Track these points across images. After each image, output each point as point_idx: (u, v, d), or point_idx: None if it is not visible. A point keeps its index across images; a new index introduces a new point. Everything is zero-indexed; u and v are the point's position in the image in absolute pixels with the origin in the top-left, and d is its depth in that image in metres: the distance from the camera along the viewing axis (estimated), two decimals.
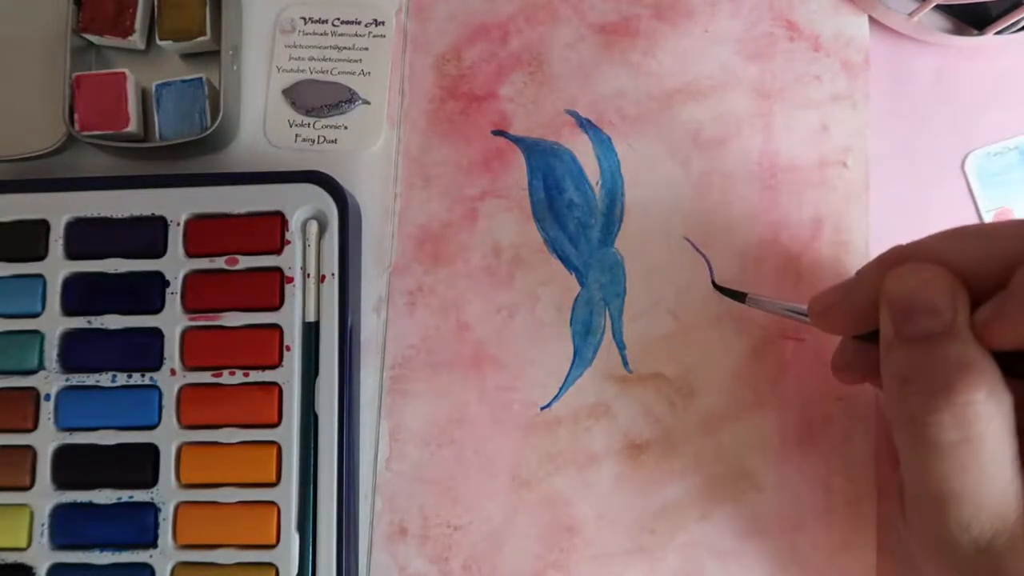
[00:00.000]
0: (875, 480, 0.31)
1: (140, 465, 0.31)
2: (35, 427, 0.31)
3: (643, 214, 0.33)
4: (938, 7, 0.32)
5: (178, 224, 0.32)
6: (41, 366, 0.31)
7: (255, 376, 0.31)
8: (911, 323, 0.23)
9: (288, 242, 0.31)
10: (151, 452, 0.31)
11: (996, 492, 0.22)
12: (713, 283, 0.32)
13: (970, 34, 0.33)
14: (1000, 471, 0.22)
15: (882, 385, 0.28)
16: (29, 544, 0.30)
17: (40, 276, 0.32)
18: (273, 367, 0.31)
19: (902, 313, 0.23)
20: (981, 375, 0.22)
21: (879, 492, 0.31)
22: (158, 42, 0.34)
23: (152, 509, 0.30)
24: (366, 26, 0.35)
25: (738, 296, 0.31)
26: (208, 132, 0.33)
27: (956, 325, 0.22)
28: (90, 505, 0.31)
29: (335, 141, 0.35)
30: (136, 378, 0.31)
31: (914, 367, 0.23)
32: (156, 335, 0.31)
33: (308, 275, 0.31)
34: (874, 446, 0.31)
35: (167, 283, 0.32)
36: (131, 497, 0.31)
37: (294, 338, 0.31)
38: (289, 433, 0.30)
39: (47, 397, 0.31)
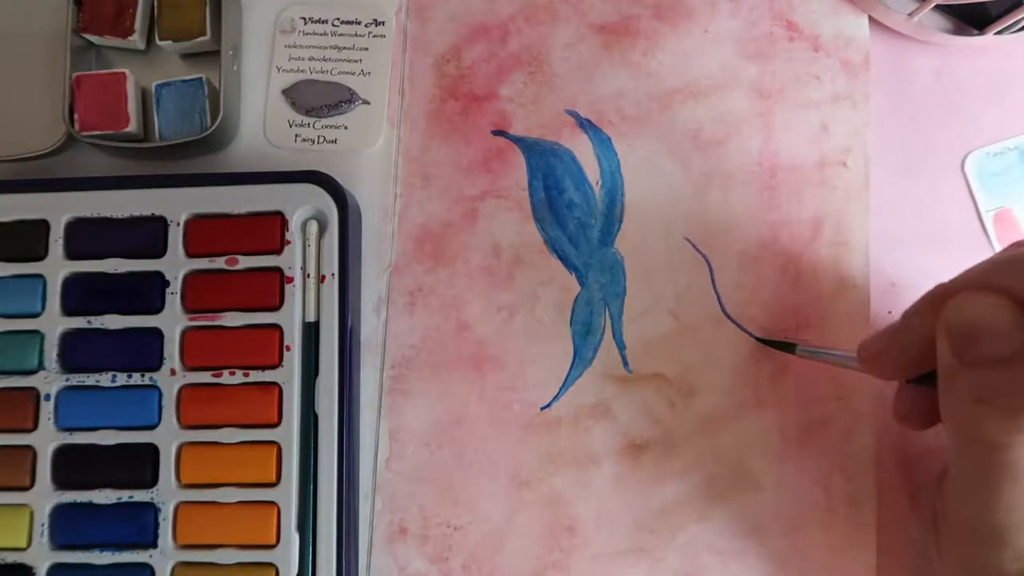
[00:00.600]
0: (875, 480, 0.31)
1: (140, 465, 0.31)
2: (35, 427, 0.31)
3: (643, 214, 0.33)
4: (938, 7, 0.32)
5: (178, 224, 0.32)
6: (41, 366, 0.31)
7: (255, 376, 0.31)
8: (979, 347, 0.22)
9: (288, 242, 0.31)
10: (151, 452, 0.31)
11: None
12: (758, 338, 0.32)
13: (970, 34, 0.33)
14: None
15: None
16: (29, 544, 0.30)
17: (40, 276, 0.32)
18: (273, 367, 0.31)
19: (967, 338, 0.23)
20: None
21: (879, 492, 0.31)
22: (158, 42, 0.34)
23: (152, 509, 0.30)
24: (366, 26, 0.35)
25: (788, 348, 0.31)
26: (208, 132, 0.33)
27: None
28: (90, 505, 0.31)
29: (335, 141, 0.35)
30: (136, 378, 0.31)
31: (990, 388, 0.22)
32: (156, 335, 0.31)
33: (308, 275, 0.31)
34: (874, 446, 0.31)
35: (167, 283, 0.32)
36: (131, 497, 0.31)
37: (294, 338, 0.31)
38: (289, 433, 0.30)
39: (47, 397, 0.31)
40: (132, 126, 0.33)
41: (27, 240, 0.32)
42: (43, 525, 0.31)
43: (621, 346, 0.33)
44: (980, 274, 0.24)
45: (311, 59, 0.35)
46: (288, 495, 0.30)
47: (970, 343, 0.23)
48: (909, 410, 0.28)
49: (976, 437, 0.23)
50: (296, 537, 0.30)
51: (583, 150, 0.34)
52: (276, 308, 0.31)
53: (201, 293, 0.31)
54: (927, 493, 0.27)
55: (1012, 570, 0.22)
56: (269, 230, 0.32)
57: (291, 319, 0.31)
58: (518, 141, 0.34)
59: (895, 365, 0.26)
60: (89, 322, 0.32)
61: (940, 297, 0.24)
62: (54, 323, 0.32)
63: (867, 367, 0.27)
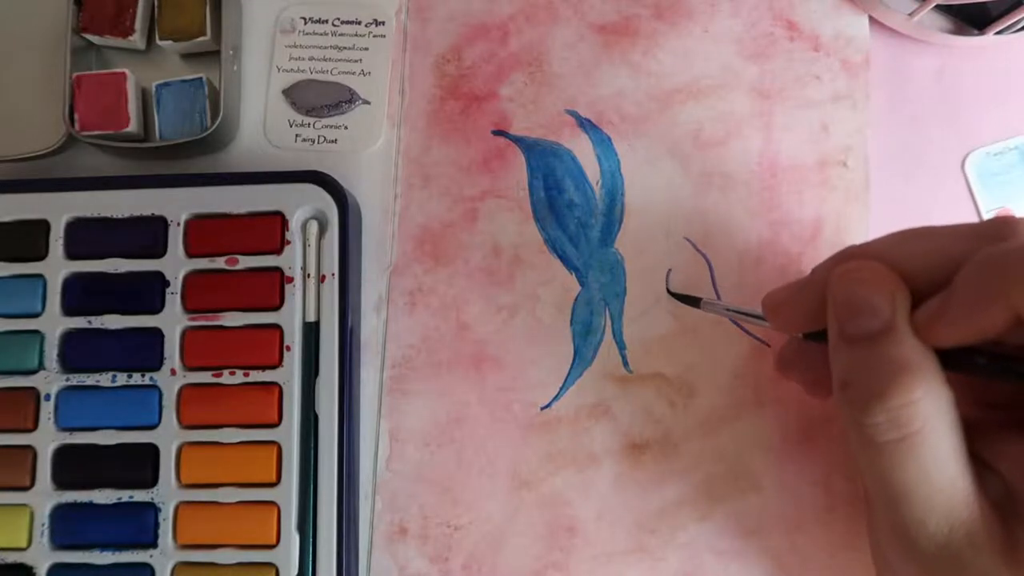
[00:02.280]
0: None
1: (140, 465, 0.31)
2: (35, 427, 0.31)
3: (643, 214, 0.33)
4: (938, 7, 0.32)
5: (178, 224, 0.32)
6: (41, 366, 0.31)
7: (255, 376, 0.31)
8: (851, 323, 0.23)
9: (288, 242, 0.31)
10: (151, 452, 0.31)
11: (943, 488, 0.22)
12: (668, 291, 0.32)
13: (970, 34, 0.33)
14: (944, 467, 0.22)
15: (811, 389, 0.29)
16: (29, 544, 0.30)
17: (40, 276, 0.32)
18: (273, 367, 0.31)
19: (844, 312, 0.24)
20: (917, 375, 0.22)
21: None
22: (158, 42, 0.34)
23: (152, 509, 0.30)
24: (366, 26, 0.35)
25: (692, 301, 0.31)
26: (208, 132, 0.33)
27: (895, 324, 0.23)
28: (90, 505, 0.31)
29: (335, 141, 0.35)
30: (136, 378, 0.31)
31: (853, 369, 0.23)
32: (156, 335, 0.31)
33: (308, 275, 0.31)
34: None
35: (167, 283, 0.32)
36: (131, 497, 0.31)
37: (294, 338, 0.31)
38: (289, 433, 0.30)
39: (47, 397, 0.31)
40: (132, 126, 0.33)
41: (27, 240, 0.32)
42: (43, 525, 0.31)
43: (621, 346, 0.33)
44: (880, 243, 0.25)
45: (311, 59, 0.35)
46: (288, 495, 0.30)
47: (847, 318, 0.23)
48: (791, 361, 0.29)
49: (845, 417, 0.24)
50: (296, 537, 0.30)
51: (583, 150, 0.34)
52: (276, 308, 0.31)
53: (201, 293, 0.31)
54: None
55: (921, 537, 0.22)
56: (269, 230, 0.32)
57: (291, 319, 0.31)
58: (518, 141, 0.34)
59: (795, 318, 0.26)
60: (89, 322, 0.32)
61: (845, 257, 0.25)
62: (54, 323, 0.32)
63: (770, 317, 0.27)
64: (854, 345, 0.23)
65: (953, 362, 0.23)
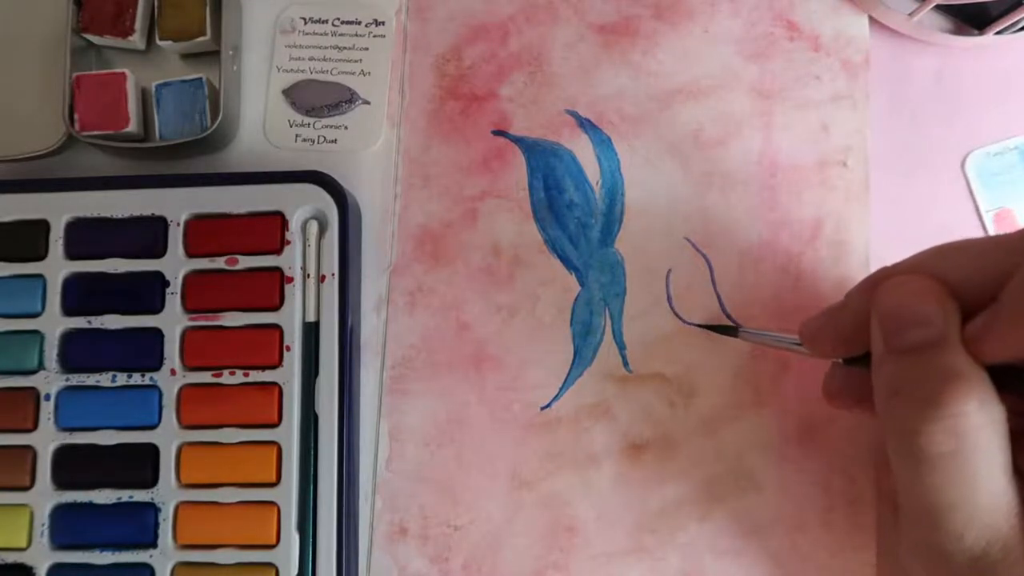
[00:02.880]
0: (875, 480, 0.31)
1: (140, 465, 0.31)
2: (35, 427, 0.31)
3: (643, 214, 0.33)
4: (938, 7, 0.32)
5: (178, 224, 0.32)
6: (41, 366, 0.31)
7: (255, 376, 0.31)
8: (901, 335, 0.23)
9: (288, 242, 0.31)
10: (151, 452, 0.31)
11: (987, 502, 0.22)
12: (700, 325, 0.32)
13: (970, 34, 0.33)
14: (991, 482, 0.22)
15: (866, 412, 0.28)
16: (29, 544, 0.30)
17: (40, 276, 0.32)
18: (273, 367, 0.31)
19: (893, 325, 0.23)
20: (972, 386, 0.22)
21: (879, 492, 0.31)
22: (158, 42, 0.34)
23: (152, 509, 0.30)
24: (366, 26, 0.35)
25: (731, 331, 0.31)
26: (208, 132, 0.33)
27: (947, 336, 0.22)
28: (90, 505, 0.31)
29: (335, 141, 0.35)
30: (136, 378, 0.31)
31: (905, 378, 0.23)
32: (156, 335, 0.31)
33: (308, 275, 0.31)
34: (874, 446, 0.31)
35: (167, 283, 0.32)
36: (131, 497, 0.31)
37: (294, 338, 0.31)
38: (289, 433, 0.30)
39: (47, 397, 0.31)
40: (132, 126, 0.33)
41: (27, 240, 0.32)
42: (43, 525, 0.31)
43: (621, 346, 0.33)
44: (922, 259, 0.24)
45: (311, 59, 0.35)
46: (288, 495, 0.30)
47: (896, 331, 0.23)
48: (839, 388, 0.28)
49: (892, 426, 0.23)
50: (296, 537, 0.30)
51: (583, 150, 0.34)
52: (276, 308, 0.31)
53: (201, 293, 0.31)
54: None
55: (956, 550, 0.22)
56: (269, 230, 0.32)
57: (291, 319, 0.31)
58: (518, 141, 0.34)
59: (833, 344, 0.26)
60: (89, 322, 0.32)
61: (880, 279, 0.24)
62: (54, 323, 0.32)
63: (808, 345, 0.27)
64: (905, 355, 0.23)
65: (1000, 378, 0.22)
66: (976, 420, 0.22)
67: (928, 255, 0.24)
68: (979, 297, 0.22)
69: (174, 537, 0.30)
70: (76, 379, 0.31)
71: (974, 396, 0.22)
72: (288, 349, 0.31)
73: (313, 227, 0.32)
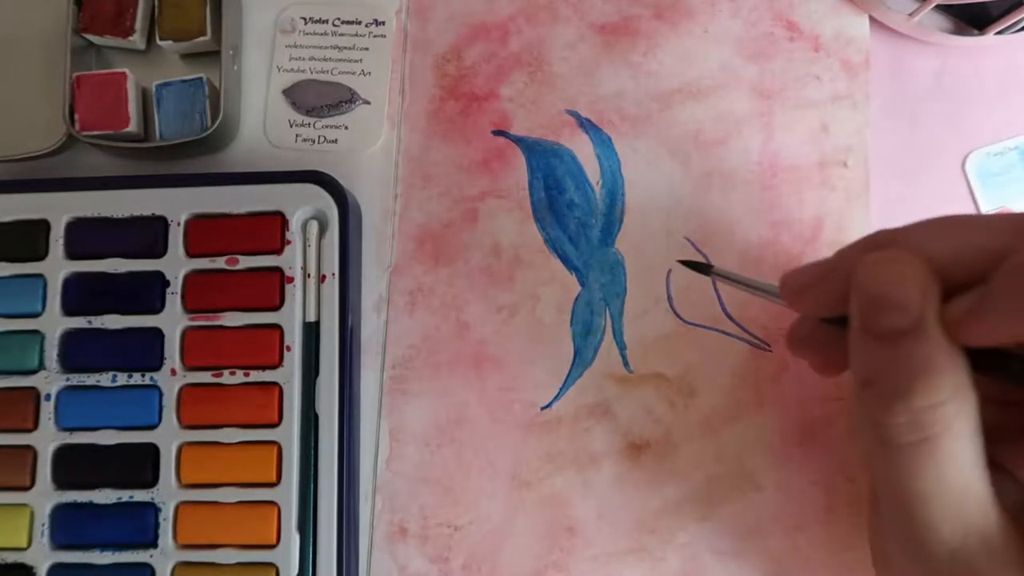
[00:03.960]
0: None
1: (140, 465, 0.31)
2: (35, 427, 0.31)
3: (643, 214, 0.33)
4: (938, 7, 0.32)
5: (178, 224, 0.32)
6: (41, 366, 0.31)
7: (255, 376, 0.31)
8: (877, 317, 0.22)
9: (288, 242, 0.31)
10: (151, 452, 0.31)
11: (960, 493, 0.21)
12: (679, 260, 0.31)
13: (970, 34, 0.33)
14: (962, 473, 0.21)
15: (821, 368, 0.27)
16: (29, 544, 0.30)
17: (40, 276, 0.32)
18: (273, 367, 0.31)
19: (870, 306, 0.22)
20: (943, 377, 0.21)
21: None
22: (158, 42, 0.34)
23: (152, 509, 0.30)
24: (366, 26, 0.35)
25: (703, 268, 0.30)
26: (208, 132, 0.33)
27: (923, 322, 0.22)
28: (90, 505, 0.31)
29: (335, 141, 0.35)
30: (136, 378, 0.31)
31: (876, 368, 0.22)
32: (156, 335, 0.31)
33: (308, 275, 0.31)
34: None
35: (167, 283, 0.32)
36: (131, 497, 0.31)
37: (294, 338, 0.31)
38: (289, 433, 0.30)
39: (47, 397, 0.31)
40: (132, 126, 0.33)
41: (27, 240, 0.32)
42: (43, 525, 0.31)
43: (621, 346, 0.33)
44: (915, 230, 0.23)
45: (311, 59, 0.35)
46: (288, 495, 0.30)
47: (873, 312, 0.22)
48: (805, 339, 0.27)
49: (863, 415, 0.23)
50: (296, 537, 0.30)
51: (583, 150, 0.34)
52: (276, 308, 0.31)
53: (201, 293, 0.31)
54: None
55: (934, 542, 0.22)
56: (269, 230, 0.32)
57: (291, 319, 0.31)
58: (518, 141, 0.34)
59: (816, 303, 0.25)
60: (89, 322, 0.32)
61: (873, 245, 0.24)
62: (54, 323, 0.32)
63: (789, 299, 0.26)
64: (878, 341, 0.22)
65: (982, 362, 0.22)
66: (947, 411, 0.21)
67: (926, 227, 0.23)
68: (969, 277, 0.22)
69: (174, 537, 0.30)
70: (76, 379, 0.31)
71: (945, 387, 0.21)
72: (288, 349, 0.31)
73: (313, 227, 0.32)
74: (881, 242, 0.24)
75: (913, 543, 0.22)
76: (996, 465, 0.22)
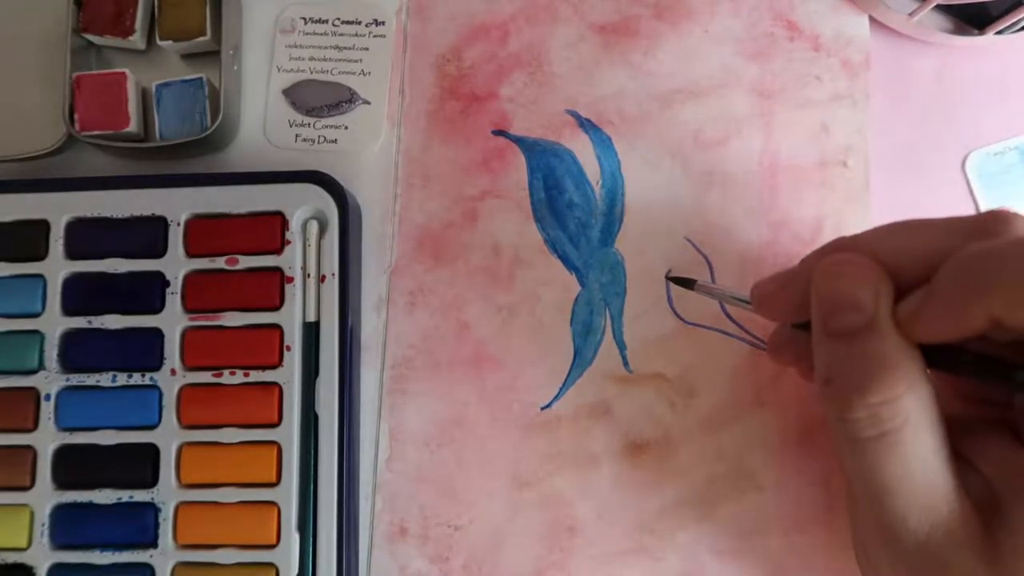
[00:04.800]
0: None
1: (140, 465, 0.31)
2: (35, 427, 0.31)
3: (643, 214, 0.33)
4: (938, 7, 0.32)
5: (178, 224, 0.32)
6: (41, 366, 0.31)
7: (255, 376, 0.31)
8: (834, 318, 0.23)
9: (288, 242, 0.31)
10: (151, 452, 0.31)
11: (923, 485, 0.22)
12: (666, 275, 0.32)
13: (970, 34, 0.33)
14: (924, 465, 0.22)
15: (804, 374, 0.29)
16: (29, 544, 0.30)
17: (40, 276, 0.32)
18: (273, 367, 0.31)
19: (827, 307, 0.23)
20: (898, 371, 0.22)
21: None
22: (158, 42, 0.34)
23: (152, 509, 0.30)
24: (366, 26, 0.35)
25: (688, 283, 0.31)
26: (208, 132, 0.33)
27: (877, 320, 0.22)
28: (90, 505, 0.31)
29: (335, 141, 0.35)
30: (136, 378, 0.31)
31: (835, 365, 0.23)
32: (156, 335, 0.31)
33: (308, 275, 0.31)
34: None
35: (167, 283, 0.32)
36: (131, 497, 0.31)
37: (294, 338, 0.31)
38: (289, 433, 0.30)
39: (47, 397, 0.31)
40: (132, 126, 0.33)
41: (27, 240, 0.32)
42: (43, 525, 0.31)
43: (621, 346, 0.33)
44: (869, 235, 0.24)
45: (311, 59, 0.35)
46: (288, 495, 0.30)
47: (830, 313, 0.23)
48: (781, 346, 0.28)
49: (827, 413, 0.24)
50: (296, 537, 0.30)
51: (583, 150, 0.34)
52: (276, 308, 0.31)
53: (201, 293, 0.31)
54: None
55: (902, 533, 0.22)
56: (269, 230, 0.32)
57: (291, 319, 0.31)
58: (518, 141, 0.34)
59: (782, 309, 0.26)
60: (89, 322, 0.32)
61: (834, 249, 0.25)
62: (54, 323, 0.32)
63: (757, 307, 0.27)
64: (836, 340, 0.23)
65: (938, 359, 0.23)
66: (904, 405, 0.22)
67: (881, 231, 0.24)
68: (921, 277, 0.22)
69: (174, 537, 0.30)
70: (76, 379, 0.31)
71: (900, 382, 0.22)
72: (288, 349, 0.31)
73: (313, 227, 0.32)
74: (837, 247, 0.25)
75: (885, 534, 0.23)
76: (962, 458, 0.23)
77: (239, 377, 0.31)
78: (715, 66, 0.34)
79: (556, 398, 0.32)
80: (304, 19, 0.35)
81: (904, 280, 0.23)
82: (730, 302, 0.29)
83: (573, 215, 0.33)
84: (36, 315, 0.32)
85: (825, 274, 0.24)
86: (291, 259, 0.31)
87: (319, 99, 0.35)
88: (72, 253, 0.32)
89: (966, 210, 0.33)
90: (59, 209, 0.32)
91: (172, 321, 0.31)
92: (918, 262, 0.23)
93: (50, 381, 0.31)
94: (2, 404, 0.31)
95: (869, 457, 0.22)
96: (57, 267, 0.32)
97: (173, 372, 0.31)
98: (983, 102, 0.34)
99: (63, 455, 0.31)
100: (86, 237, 0.32)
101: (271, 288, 0.31)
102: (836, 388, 0.23)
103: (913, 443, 0.22)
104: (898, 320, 0.23)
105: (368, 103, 0.35)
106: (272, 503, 0.30)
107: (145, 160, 0.35)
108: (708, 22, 0.34)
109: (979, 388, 0.26)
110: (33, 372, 0.31)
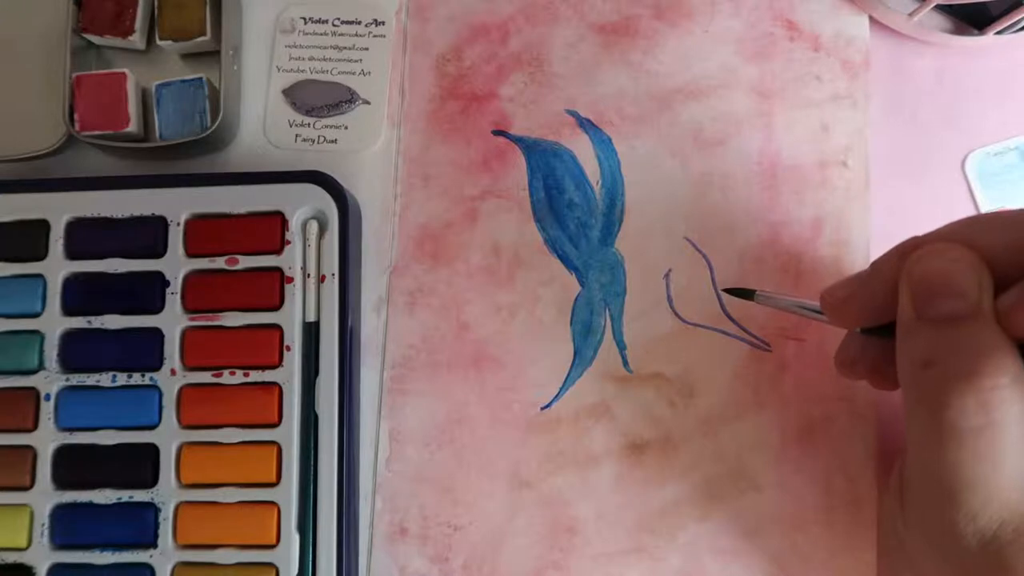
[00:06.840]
0: (875, 480, 0.31)
1: (140, 465, 0.31)
2: (35, 427, 0.31)
3: (643, 214, 0.33)
4: (938, 7, 0.32)
5: (178, 224, 0.32)
6: (41, 366, 0.31)
7: (255, 376, 0.31)
8: (936, 304, 0.22)
9: (288, 242, 0.31)
10: (151, 452, 0.31)
11: (1009, 481, 0.21)
12: (725, 289, 0.32)
13: (970, 34, 0.33)
14: (1014, 460, 0.21)
15: (878, 383, 0.28)
16: (29, 544, 0.30)
17: (40, 276, 0.32)
18: (273, 367, 0.31)
19: (926, 294, 0.23)
20: (1007, 360, 0.21)
21: (879, 492, 0.31)
22: (158, 42, 0.34)
23: (152, 509, 0.30)
24: (366, 26, 0.35)
25: (747, 294, 0.30)
26: (208, 132, 0.33)
27: (982, 308, 0.22)
28: (90, 505, 0.31)
29: (335, 141, 0.35)
30: (136, 378, 0.31)
31: (938, 349, 0.22)
32: (156, 335, 0.31)
33: (308, 275, 0.31)
34: (875, 446, 0.31)
35: (167, 283, 0.32)
36: (131, 497, 0.31)
37: (294, 338, 0.31)
38: (289, 433, 0.30)
39: (47, 397, 0.31)
40: (132, 126, 0.33)
41: (27, 240, 0.32)
42: (43, 525, 0.31)
43: (621, 346, 0.33)
44: (955, 228, 0.24)
45: (311, 59, 0.35)
46: (288, 495, 0.30)
47: (930, 299, 0.23)
48: (853, 358, 0.28)
49: (920, 398, 0.23)
50: (296, 537, 0.30)
51: (583, 150, 0.34)
52: (276, 308, 0.31)
53: (201, 293, 0.31)
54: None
55: (968, 531, 0.22)
56: (269, 230, 0.32)
57: (291, 319, 0.31)
58: (518, 141, 0.34)
59: (858, 313, 0.26)
60: (89, 322, 0.32)
61: (911, 248, 0.24)
62: (54, 323, 0.32)
63: (831, 314, 0.26)
64: (937, 326, 0.22)
65: None
66: (1009, 395, 0.21)
67: (961, 225, 0.24)
68: (1012, 270, 0.22)
69: (174, 537, 0.30)
70: (76, 379, 0.31)
71: (1008, 370, 0.21)
72: (288, 349, 0.31)
73: (313, 227, 0.32)
74: (916, 244, 0.24)
75: (946, 532, 0.22)
76: None
77: (239, 377, 0.31)
78: (715, 66, 0.34)
79: (556, 398, 0.32)
80: (304, 19, 0.35)
81: (996, 272, 0.22)
82: (797, 312, 0.28)
83: (573, 215, 0.33)
84: (36, 315, 0.32)
85: (923, 262, 0.23)
86: (291, 259, 0.31)
87: (319, 99, 0.35)
88: (72, 253, 0.32)
89: (966, 210, 0.33)
90: (59, 209, 0.32)
91: (172, 321, 0.31)
92: (1011, 254, 0.22)
93: (50, 381, 0.31)
94: (2, 404, 0.31)
95: (965, 447, 0.21)
96: (57, 267, 0.32)
97: (173, 372, 0.31)
98: (983, 102, 0.34)
99: (63, 455, 0.31)
100: (86, 237, 0.32)
101: (271, 288, 0.31)
102: (939, 371, 0.22)
103: (1010, 437, 0.21)
104: (997, 314, 0.22)
105: (368, 103, 0.35)
106: (272, 503, 0.30)
107: (145, 160, 0.35)
108: (708, 22, 0.34)
109: None
110: (33, 372, 0.31)
